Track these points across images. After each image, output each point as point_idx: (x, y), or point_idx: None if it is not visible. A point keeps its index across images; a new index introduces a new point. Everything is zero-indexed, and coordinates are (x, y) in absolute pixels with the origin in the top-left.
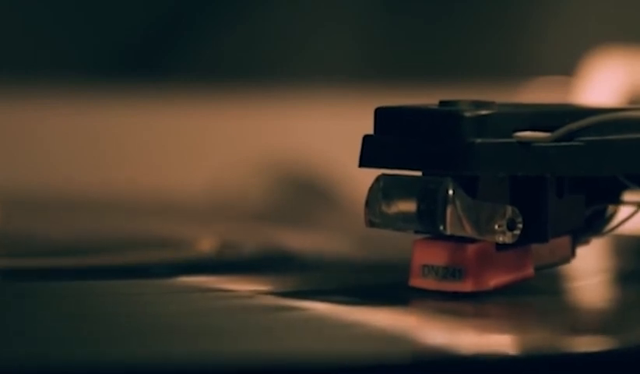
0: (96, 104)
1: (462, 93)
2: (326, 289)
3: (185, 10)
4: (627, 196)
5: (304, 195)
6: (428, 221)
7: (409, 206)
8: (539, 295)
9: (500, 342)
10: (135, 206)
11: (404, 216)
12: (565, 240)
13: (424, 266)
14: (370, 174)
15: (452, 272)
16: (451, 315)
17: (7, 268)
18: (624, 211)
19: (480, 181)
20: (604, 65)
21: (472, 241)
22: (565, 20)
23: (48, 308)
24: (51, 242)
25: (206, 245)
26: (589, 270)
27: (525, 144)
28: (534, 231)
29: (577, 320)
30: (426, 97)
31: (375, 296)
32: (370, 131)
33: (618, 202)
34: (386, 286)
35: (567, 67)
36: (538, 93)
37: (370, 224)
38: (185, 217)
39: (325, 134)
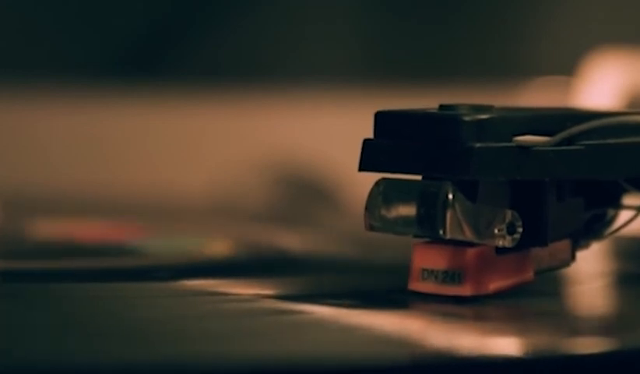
0: (96, 104)
1: (463, 93)
2: (325, 292)
3: (185, 10)
4: (627, 200)
5: (303, 195)
6: (428, 225)
7: (408, 210)
8: (539, 299)
9: (500, 345)
10: (134, 206)
11: (404, 220)
12: (565, 244)
13: (424, 269)
14: (371, 176)
15: (452, 276)
16: (451, 319)
17: (6, 269)
18: (623, 215)
19: (480, 186)
20: (604, 66)
21: (471, 245)
22: (565, 20)
23: (48, 310)
24: (51, 243)
25: (206, 246)
26: (588, 274)
27: (525, 148)
28: (534, 235)
29: (577, 323)
30: (426, 97)
31: (375, 299)
32: (370, 131)
33: (618, 205)
34: (386, 289)
35: (567, 67)
36: (538, 94)
37: (370, 227)
38: (185, 218)
39: (325, 134)
